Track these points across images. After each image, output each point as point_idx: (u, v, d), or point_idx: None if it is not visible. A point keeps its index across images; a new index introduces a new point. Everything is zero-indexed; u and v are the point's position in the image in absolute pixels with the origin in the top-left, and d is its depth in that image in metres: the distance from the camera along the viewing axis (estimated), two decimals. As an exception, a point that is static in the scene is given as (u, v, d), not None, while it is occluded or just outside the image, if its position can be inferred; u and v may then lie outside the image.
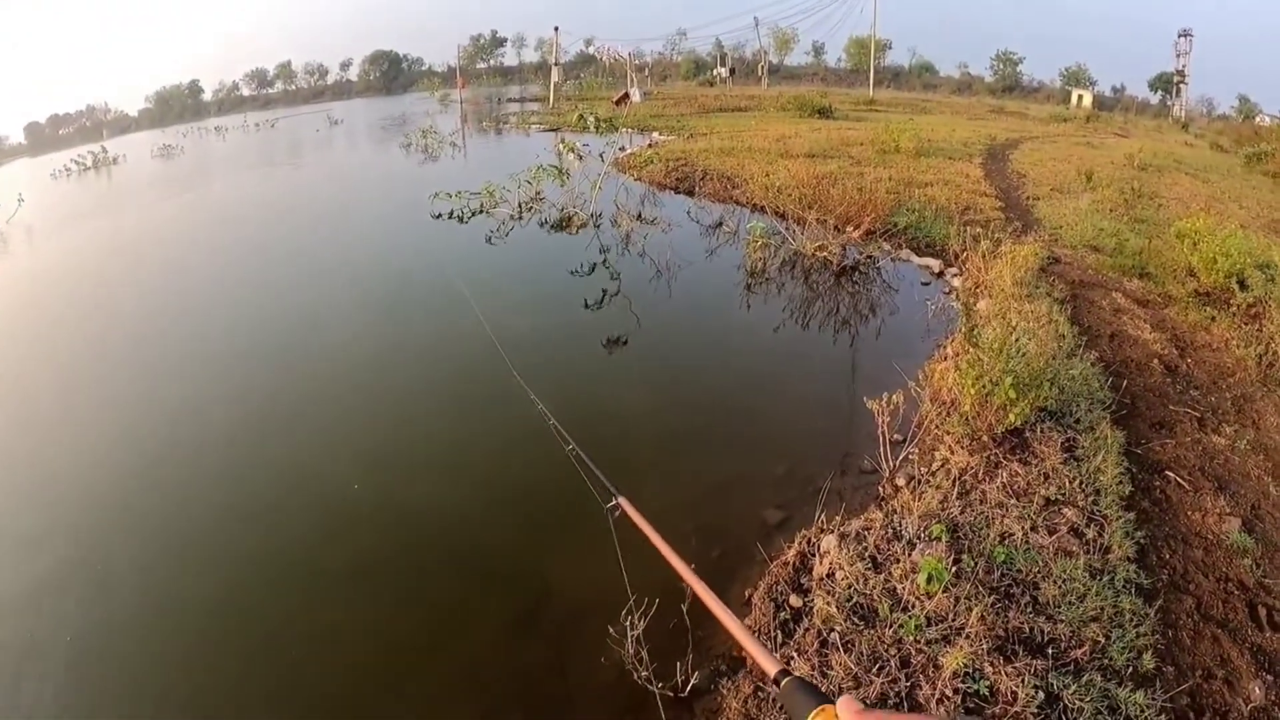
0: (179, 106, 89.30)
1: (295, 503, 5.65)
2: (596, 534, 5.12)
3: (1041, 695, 3.18)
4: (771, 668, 1.52)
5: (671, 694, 3.64)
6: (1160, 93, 68.05)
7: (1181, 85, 60.75)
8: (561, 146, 17.23)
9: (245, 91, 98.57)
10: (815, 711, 1.19)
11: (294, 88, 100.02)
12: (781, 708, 1.44)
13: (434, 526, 5.30)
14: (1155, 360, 6.97)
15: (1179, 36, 60.98)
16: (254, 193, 23.02)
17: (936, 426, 5.68)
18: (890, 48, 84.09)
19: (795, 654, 3.63)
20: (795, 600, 4.09)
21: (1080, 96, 61.43)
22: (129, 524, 5.49)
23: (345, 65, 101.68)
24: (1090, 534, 4.30)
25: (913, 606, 3.72)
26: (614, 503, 2.14)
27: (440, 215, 14.81)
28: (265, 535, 5.28)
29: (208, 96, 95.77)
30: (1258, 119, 49.79)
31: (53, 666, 4.21)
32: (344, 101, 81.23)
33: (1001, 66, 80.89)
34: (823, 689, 1.40)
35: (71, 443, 6.92)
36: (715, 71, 70.63)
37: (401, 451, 6.36)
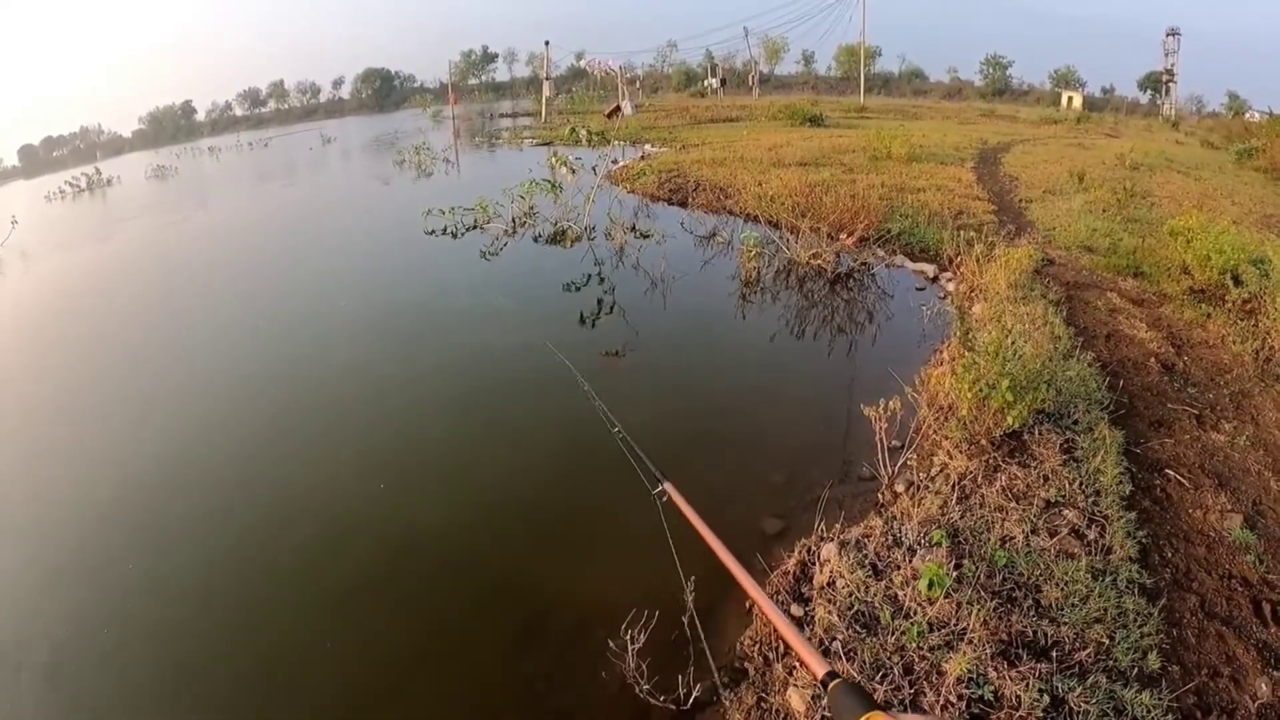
0: (172, 127, 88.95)
1: (302, 514, 5.64)
2: (598, 545, 5.12)
3: (1046, 699, 3.17)
4: (819, 668, 1.42)
5: (674, 707, 3.62)
6: (1150, 92, 68.13)
7: (1171, 84, 60.88)
8: (554, 160, 17.22)
9: (238, 111, 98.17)
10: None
11: (286, 107, 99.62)
12: (828, 708, 1.33)
13: (436, 538, 5.30)
14: (1152, 359, 6.97)
15: (1167, 35, 61.16)
16: (250, 212, 23.06)
17: (934, 432, 5.67)
18: (880, 55, 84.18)
19: (798, 663, 3.61)
20: (797, 610, 4.07)
21: (1070, 98, 61.65)
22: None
23: (337, 83, 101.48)
24: (1091, 535, 4.29)
25: (915, 613, 3.70)
26: (660, 488, 2.03)
27: (433, 232, 14.81)
28: (247, 544, 5.35)
29: (201, 117, 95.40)
30: (1247, 115, 49.89)
31: (68, 679, 4.24)
32: (337, 120, 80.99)
33: (991, 70, 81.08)
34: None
35: (101, 460, 6.95)
36: (706, 82, 70.62)
37: (398, 462, 6.36)
